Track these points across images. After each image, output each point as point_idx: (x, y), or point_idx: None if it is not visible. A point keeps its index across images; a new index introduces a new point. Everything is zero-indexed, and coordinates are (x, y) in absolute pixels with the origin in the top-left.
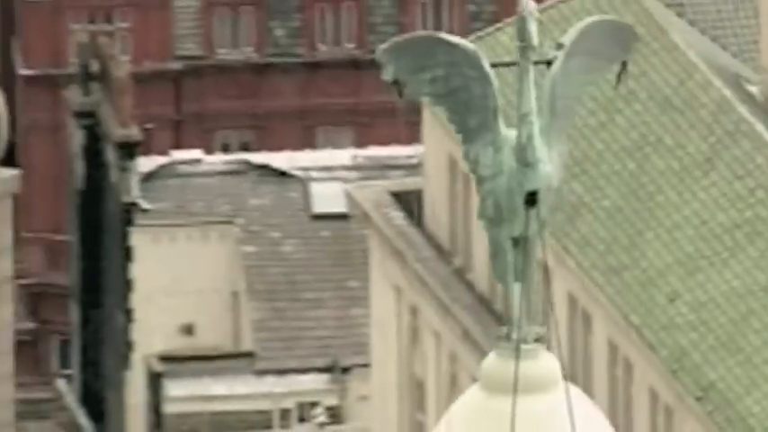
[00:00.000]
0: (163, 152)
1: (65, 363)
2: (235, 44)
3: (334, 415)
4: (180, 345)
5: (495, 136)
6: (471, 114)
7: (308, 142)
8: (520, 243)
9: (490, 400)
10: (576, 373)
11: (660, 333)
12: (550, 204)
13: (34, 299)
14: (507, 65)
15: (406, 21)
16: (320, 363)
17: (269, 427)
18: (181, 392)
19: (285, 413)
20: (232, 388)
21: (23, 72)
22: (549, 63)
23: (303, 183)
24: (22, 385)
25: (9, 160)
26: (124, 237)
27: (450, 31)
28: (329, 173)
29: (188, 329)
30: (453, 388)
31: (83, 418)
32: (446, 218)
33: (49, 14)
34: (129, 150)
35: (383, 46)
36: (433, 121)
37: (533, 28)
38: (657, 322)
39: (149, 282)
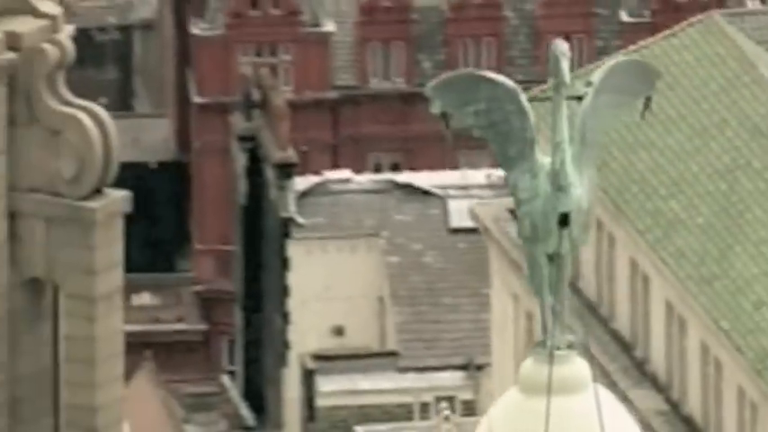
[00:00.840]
0: (319, 172)
1: (232, 361)
2: (386, 75)
3: (469, 408)
4: (331, 345)
5: (531, 164)
6: (510, 144)
7: (450, 163)
8: (554, 259)
9: (527, 400)
10: (672, 372)
11: (747, 337)
12: (581, 224)
13: (206, 303)
14: (542, 100)
15: (539, 54)
16: (456, 361)
17: (410, 418)
18: (332, 388)
19: (424, 406)
20: (377, 383)
21: (197, 100)
22: (579, 98)
23: (442, 200)
24: (191, 381)
25: (182, 179)
26: (282, 248)
27: (579, 65)
28: (465, 191)
29: (339, 331)
30: None
31: (245, 411)
32: None
33: (219, 48)
34: (287, 171)
35: (431, 82)
36: (546, 146)
37: (566, 66)
38: (744, 327)
39: (304, 288)
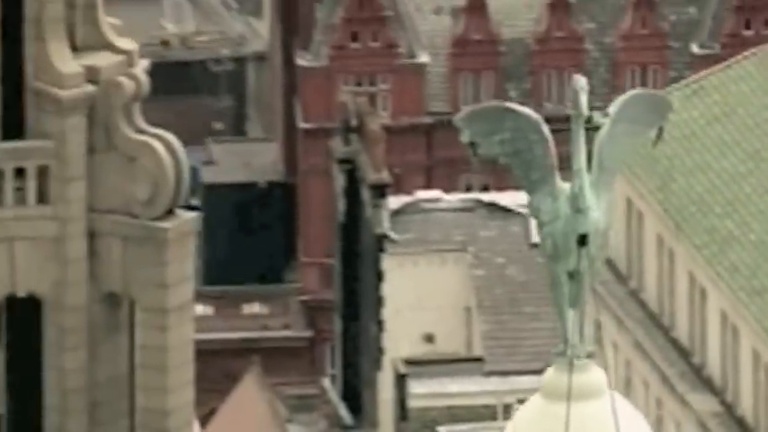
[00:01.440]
0: (412, 192)
1: (333, 365)
2: (476, 102)
3: None
4: (422, 351)
5: (553, 188)
6: (533, 170)
7: None
8: (574, 276)
9: (548, 405)
10: (727, 377)
11: None
12: (599, 244)
13: (311, 312)
14: (562, 131)
15: (618, 83)
16: (536, 366)
17: (494, 418)
18: (422, 390)
19: (507, 408)
20: (464, 387)
21: (302, 125)
22: (597, 129)
23: (524, 218)
24: (294, 383)
25: (289, 198)
26: (377, 262)
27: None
28: None
29: (429, 338)
30: (628, 389)
31: (343, 411)
32: (623, 248)
33: (323, 79)
34: (381, 191)
35: (460, 113)
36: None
37: (584, 100)
38: None
39: (397, 299)
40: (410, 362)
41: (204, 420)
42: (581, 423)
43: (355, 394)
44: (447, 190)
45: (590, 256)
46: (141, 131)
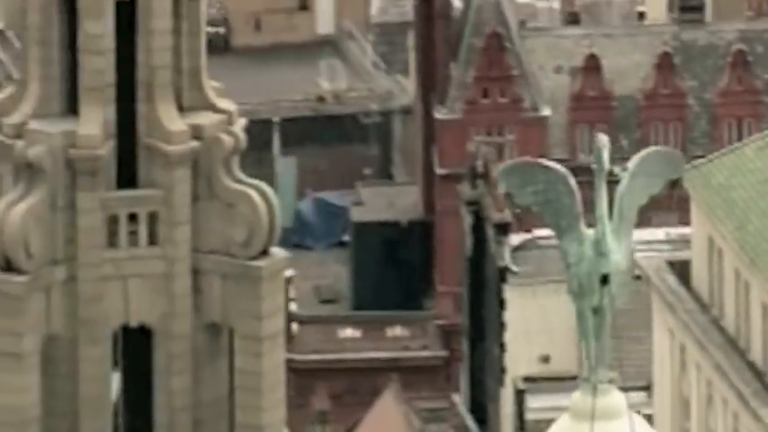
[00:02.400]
0: (530, 230)
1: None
2: (592, 151)
3: (650, 421)
4: (538, 370)
5: (578, 234)
6: (562, 218)
7: (645, 222)
8: (597, 312)
9: (575, 425)
10: None
11: None
12: (620, 283)
13: (445, 335)
14: (586, 183)
15: (717, 134)
16: (639, 383)
17: None
18: (538, 404)
19: None
20: None
21: (439, 171)
22: (617, 182)
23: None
24: (427, 398)
25: (427, 235)
26: (499, 291)
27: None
28: (648, 245)
29: (545, 359)
30: (709, 405)
31: (470, 422)
32: (705, 280)
33: (457, 129)
34: (503, 229)
35: (501, 167)
36: (699, 211)
37: (606, 156)
38: None
39: (517, 324)
40: (528, 379)
41: (351, 429)
42: None
43: (481, 407)
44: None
45: (611, 294)
46: (239, 181)
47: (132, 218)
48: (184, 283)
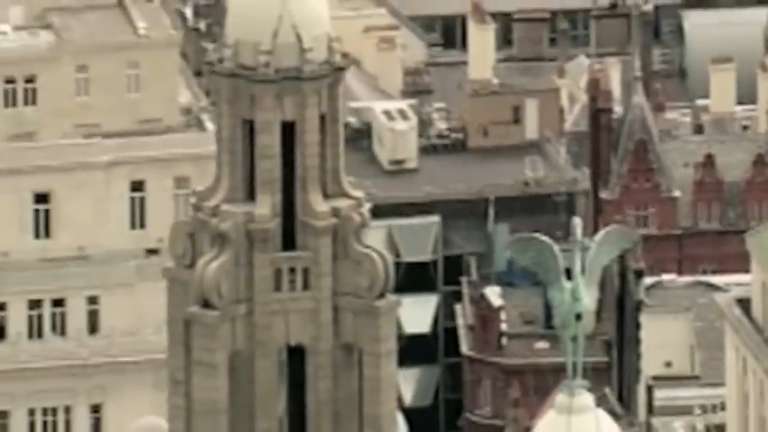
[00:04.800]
0: (659, 275)
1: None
2: (709, 220)
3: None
4: (664, 372)
5: (560, 285)
6: (549, 274)
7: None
8: (574, 339)
9: (558, 417)
10: None
11: None
12: (589, 320)
13: (606, 346)
14: (565, 251)
15: None
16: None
17: (705, 412)
18: (663, 395)
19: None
20: (689, 393)
21: None
22: (587, 249)
23: (725, 290)
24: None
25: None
26: (636, 317)
27: None
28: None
29: (668, 364)
30: (761, 399)
31: (617, 408)
32: (761, 311)
33: (615, 206)
34: (639, 273)
35: (510, 240)
36: (756, 264)
37: (579, 232)
38: None
39: (649, 339)
40: (656, 378)
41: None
42: (578, 428)
43: (624, 397)
44: (685, 274)
45: (583, 326)
46: (366, 246)
47: (292, 270)
48: (327, 316)
